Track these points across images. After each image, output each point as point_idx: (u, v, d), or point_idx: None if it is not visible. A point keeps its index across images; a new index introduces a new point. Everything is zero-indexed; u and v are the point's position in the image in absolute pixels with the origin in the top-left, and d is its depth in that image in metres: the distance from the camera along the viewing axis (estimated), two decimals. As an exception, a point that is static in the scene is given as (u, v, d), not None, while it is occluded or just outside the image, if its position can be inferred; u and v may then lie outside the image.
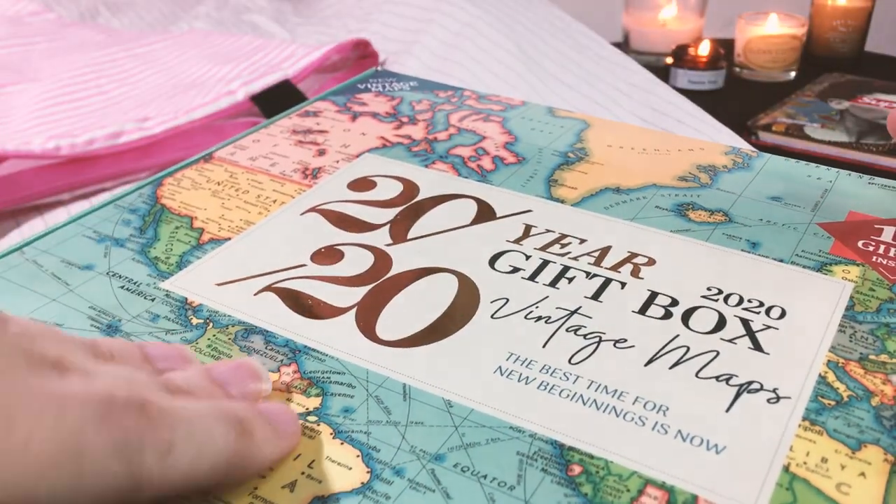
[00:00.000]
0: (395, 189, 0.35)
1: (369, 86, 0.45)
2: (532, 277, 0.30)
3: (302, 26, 0.77)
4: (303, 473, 0.22)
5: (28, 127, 0.52)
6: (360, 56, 0.62)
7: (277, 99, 0.52)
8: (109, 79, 0.58)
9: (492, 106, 0.43)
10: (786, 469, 0.22)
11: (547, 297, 0.29)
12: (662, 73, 0.86)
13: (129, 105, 0.54)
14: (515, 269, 0.30)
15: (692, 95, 0.83)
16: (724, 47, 0.91)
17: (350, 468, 0.22)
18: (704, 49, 0.89)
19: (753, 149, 0.40)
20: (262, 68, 0.56)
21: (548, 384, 0.25)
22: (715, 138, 0.55)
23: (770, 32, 0.92)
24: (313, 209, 0.34)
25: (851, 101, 0.83)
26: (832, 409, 0.24)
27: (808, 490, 0.21)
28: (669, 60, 0.91)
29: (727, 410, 0.24)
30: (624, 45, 0.98)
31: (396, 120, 0.41)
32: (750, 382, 0.25)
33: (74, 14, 0.78)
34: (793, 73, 0.93)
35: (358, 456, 0.23)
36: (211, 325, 0.28)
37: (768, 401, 0.24)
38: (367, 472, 0.22)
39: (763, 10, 0.94)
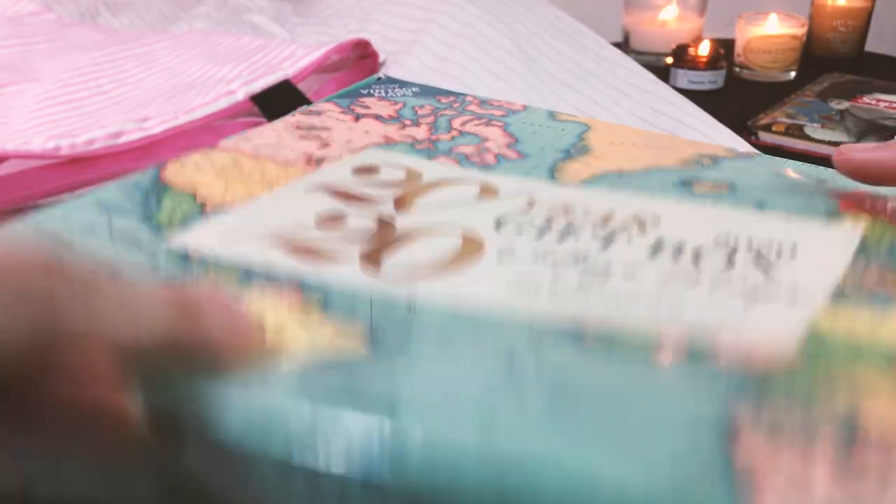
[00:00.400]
0: (399, 174, 0.36)
1: (372, 91, 0.46)
2: (538, 236, 0.30)
3: (302, 26, 0.77)
4: (304, 351, 0.23)
5: (28, 127, 0.52)
6: (360, 56, 0.62)
7: (277, 99, 0.52)
8: (109, 79, 0.58)
9: (493, 111, 0.43)
10: (812, 329, 0.23)
11: (553, 249, 0.29)
12: (662, 73, 0.86)
13: (129, 105, 0.54)
14: (521, 230, 0.31)
15: (692, 95, 0.82)
16: (724, 47, 0.91)
17: (355, 344, 0.23)
18: (704, 49, 0.89)
19: (754, 151, 0.40)
20: (262, 68, 0.56)
21: (558, 298, 0.25)
22: (715, 138, 0.55)
23: (770, 32, 0.92)
24: (318, 187, 0.35)
25: (851, 101, 0.83)
26: (854, 302, 0.24)
27: (837, 337, 0.22)
28: (669, 60, 0.91)
29: (745, 313, 0.24)
30: (624, 45, 0.98)
31: (399, 122, 0.42)
32: (766, 296, 0.25)
33: (74, 14, 0.78)
34: (793, 73, 0.93)
35: (363, 338, 0.23)
36: (212, 269, 0.28)
37: (786, 305, 0.25)
38: (371, 345, 0.23)
39: (763, 10, 0.94)
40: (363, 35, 0.68)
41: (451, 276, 0.27)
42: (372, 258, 0.29)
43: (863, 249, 0.28)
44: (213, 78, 0.56)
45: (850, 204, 0.31)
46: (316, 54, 0.56)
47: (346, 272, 0.28)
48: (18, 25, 0.70)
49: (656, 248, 0.28)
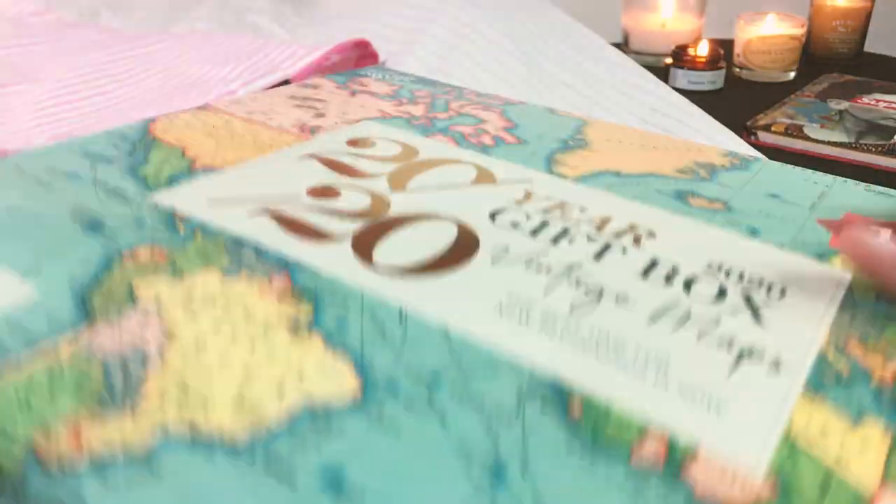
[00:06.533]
0: (395, 149, 0.35)
1: (369, 73, 0.46)
2: (533, 234, 0.30)
3: (302, 27, 0.77)
4: (291, 380, 0.22)
5: (29, 127, 0.52)
6: (360, 56, 0.62)
7: (278, 99, 0.52)
8: (110, 79, 0.59)
9: (491, 101, 0.43)
10: (785, 436, 0.22)
11: (548, 252, 0.29)
12: (662, 73, 0.86)
13: (130, 105, 0.55)
14: (516, 225, 0.30)
15: (692, 96, 0.83)
16: (724, 47, 0.91)
17: (342, 380, 0.22)
18: (704, 49, 0.89)
19: (750, 153, 0.40)
20: (263, 68, 0.56)
21: (549, 327, 0.25)
22: (714, 138, 0.55)
23: (769, 33, 0.92)
24: (311, 155, 0.34)
25: (851, 101, 0.83)
26: (832, 384, 0.24)
27: (808, 457, 0.21)
28: (669, 61, 0.91)
29: (728, 376, 0.24)
30: (624, 46, 0.98)
31: (396, 99, 0.42)
32: (751, 351, 0.25)
33: (75, 14, 0.78)
34: (792, 74, 0.93)
35: (350, 368, 0.22)
36: (200, 234, 0.27)
37: (768, 371, 0.24)
38: (360, 385, 0.22)
39: (762, 10, 0.94)
40: (363, 35, 0.68)
41: (445, 274, 0.27)
42: (364, 242, 0.28)
43: (848, 302, 0.27)
44: (214, 78, 0.56)
45: (840, 241, 0.31)
46: (316, 54, 0.57)
47: (338, 255, 0.27)
48: (20, 26, 0.70)
49: (649, 268, 0.28)
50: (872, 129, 0.76)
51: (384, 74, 0.45)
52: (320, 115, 0.38)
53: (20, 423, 0.20)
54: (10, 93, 0.57)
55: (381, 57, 0.65)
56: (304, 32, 0.75)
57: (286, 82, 0.53)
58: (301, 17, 0.81)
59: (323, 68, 0.59)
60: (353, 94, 0.41)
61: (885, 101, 0.82)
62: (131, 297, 0.25)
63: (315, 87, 0.42)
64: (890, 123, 0.77)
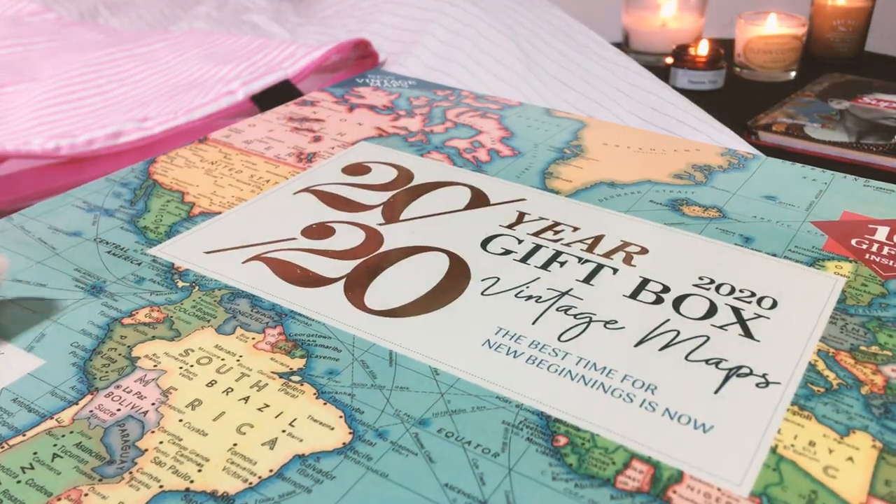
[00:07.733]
0: (390, 174, 0.36)
1: (367, 81, 0.46)
2: (524, 260, 0.30)
3: (302, 26, 0.77)
4: (283, 431, 0.22)
5: (28, 127, 0.52)
6: (360, 56, 0.62)
7: (277, 98, 0.52)
8: (109, 79, 0.58)
9: (489, 105, 0.43)
10: (773, 450, 0.22)
11: (538, 278, 0.29)
12: (662, 73, 0.86)
13: (129, 105, 0.54)
14: (507, 252, 0.30)
15: (692, 95, 0.83)
16: (724, 47, 0.91)
17: (332, 428, 0.22)
18: (704, 49, 0.89)
19: (749, 151, 0.40)
20: (262, 68, 0.56)
21: (536, 359, 0.25)
22: (715, 138, 0.55)
23: (770, 32, 0.91)
24: (306, 189, 0.35)
25: (851, 101, 0.83)
26: (821, 395, 0.24)
27: (795, 471, 0.21)
28: (669, 60, 0.91)
29: (715, 392, 0.24)
30: (624, 45, 0.98)
31: (393, 113, 0.42)
32: (739, 367, 0.25)
33: (74, 14, 0.78)
34: (793, 73, 0.93)
35: (341, 416, 0.23)
36: (197, 288, 0.28)
37: (757, 385, 0.24)
38: (350, 432, 0.22)
39: (763, 10, 0.94)
40: (363, 35, 0.68)
41: (436, 310, 0.27)
42: (356, 284, 0.28)
43: (841, 309, 0.27)
44: (213, 78, 0.56)
45: (835, 244, 0.31)
46: (316, 54, 0.56)
47: (330, 300, 0.27)
48: (18, 25, 0.70)
49: (639, 288, 0.28)
50: (873, 128, 0.76)
51: (382, 81, 0.45)
52: (317, 139, 0.38)
53: (26, 494, 0.20)
54: (8, 93, 0.57)
55: (381, 57, 0.64)
56: (303, 32, 0.75)
57: (286, 81, 0.53)
58: (301, 17, 0.80)
59: (323, 68, 0.59)
60: (351, 109, 0.42)
61: (885, 101, 0.82)
62: (130, 363, 0.25)
63: (313, 103, 0.42)
64: (890, 123, 0.77)
